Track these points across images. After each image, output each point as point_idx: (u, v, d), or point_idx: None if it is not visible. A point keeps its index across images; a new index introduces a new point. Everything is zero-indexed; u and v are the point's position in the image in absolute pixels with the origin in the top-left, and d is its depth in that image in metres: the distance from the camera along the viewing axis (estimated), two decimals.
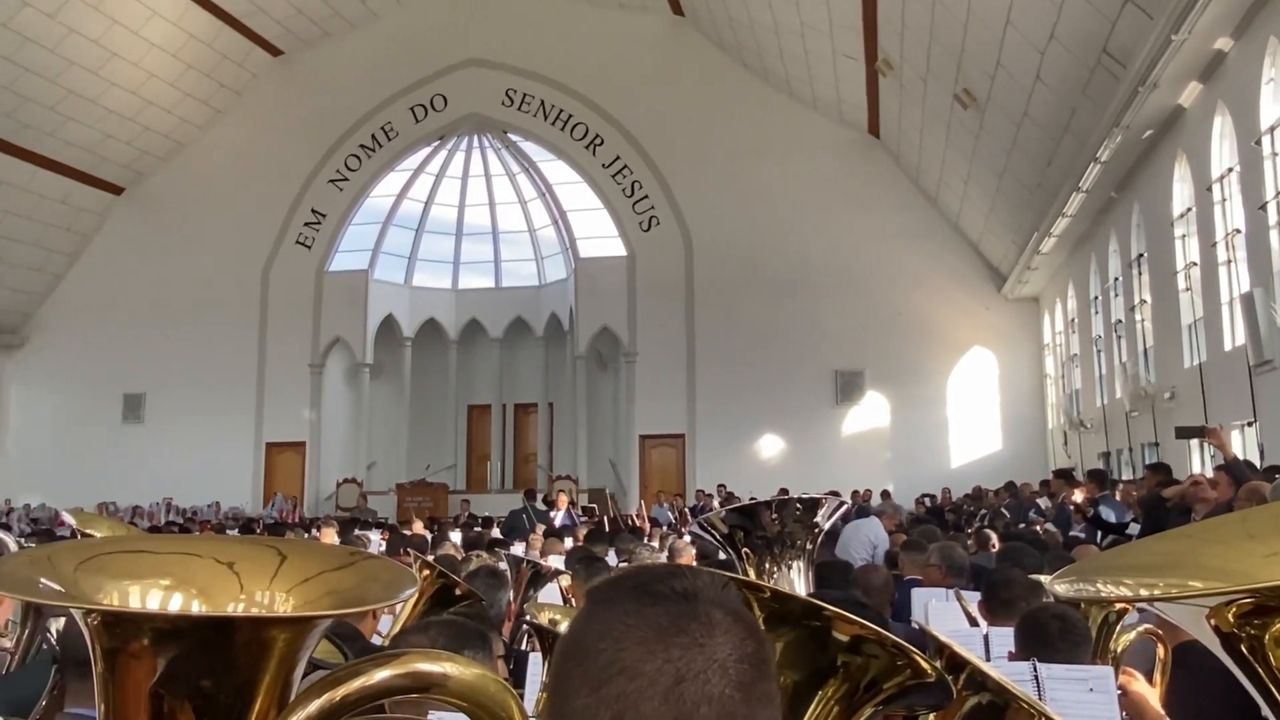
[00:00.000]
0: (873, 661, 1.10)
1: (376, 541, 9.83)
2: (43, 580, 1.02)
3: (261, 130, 22.39)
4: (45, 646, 2.65)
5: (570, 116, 21.78)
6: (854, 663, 1.10)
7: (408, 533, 10.41)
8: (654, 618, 0.77)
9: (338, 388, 22.50)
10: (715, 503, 17.13)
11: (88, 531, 4.66)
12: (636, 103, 21.34)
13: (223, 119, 22.62)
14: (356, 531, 10.18)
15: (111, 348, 21.93)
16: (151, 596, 1.06)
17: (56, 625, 2.43)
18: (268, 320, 22.05)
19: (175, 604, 1.05)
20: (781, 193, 20.50)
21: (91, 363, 22.05)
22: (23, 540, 6.64)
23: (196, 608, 1.06)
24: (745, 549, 2.63)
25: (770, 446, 20.46)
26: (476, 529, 11.54)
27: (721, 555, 5.46)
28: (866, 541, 7.97)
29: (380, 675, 0.94)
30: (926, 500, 17.05)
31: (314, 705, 0.91)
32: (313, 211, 22.40)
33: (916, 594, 4.84)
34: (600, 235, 21.98)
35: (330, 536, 8.78)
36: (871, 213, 20.05)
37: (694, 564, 6.69)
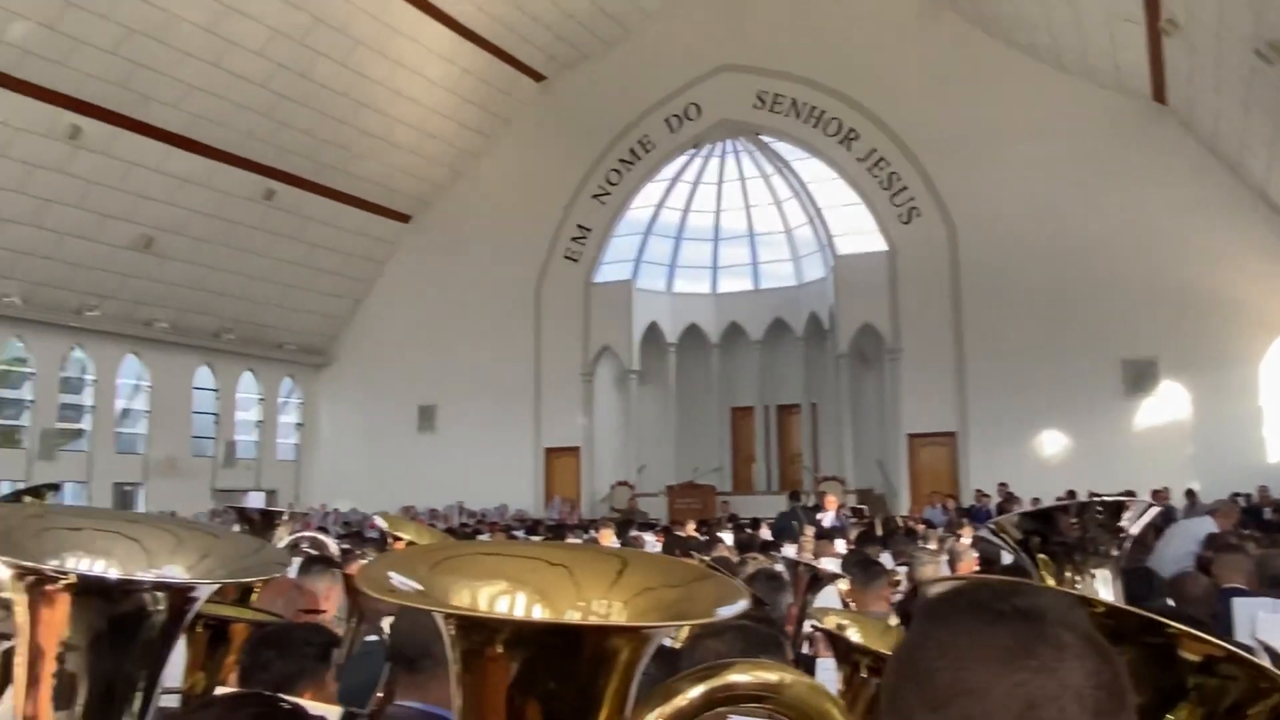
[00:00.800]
0: (1230, 684, 1.01)
1: (651, 542, 10.10)
2: (402, 581, 1.11)
3: (529, 153, 23.69)
4: (375, 640, 2.91)
5: (823, 113, 21.49)
6: (1208, 685, 1.00)
7: (681, 534, 10.61)
8: (997, 638, 0.74)
9: (608, 394, 23.36)
10: (993, 504, 16.32)
11: (397, 534, 5.08)
12: (891, 92, 20.72)
13: (495, 146, 24.12)
14: (632, 532, 10.49)
15: (406, 364, 23.90)
16: (498, 599, 1.13)
17: (387, 622, 2.67)
18: (542, 332, 23.26)
19: (519, 607, 1.11)
20: (1054, 172, 19.21)
21: (389, 378, 24.15)
22: (338, 541, 7.32)
23: (539, 612, 1.12)
24: (1041, 555, 2.49)
25: (1052, 443, 19.22)
26: (747, 530, 11.59)
27: (1006, 559, 5.18)
28: (1191, 545, 7.13)
29: (727, 680, 0.97)
30: (1241, 499, 15.39)
31: (672, 704, 0.95)
32: (578, 226, 23.41)
33: (1239, 604, 4.36)
34: (858, 231, 21.52)
35: (608, 537, 9.12)
36: (1159, 186, 18.36)
37: (976, 569, 6.39)
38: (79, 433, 20.80)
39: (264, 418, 24.46)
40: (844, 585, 4.89)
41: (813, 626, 3.33)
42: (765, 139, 22.78)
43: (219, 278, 21.50)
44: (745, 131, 22.83)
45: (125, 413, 21.91)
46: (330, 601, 3.20)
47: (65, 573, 1.06)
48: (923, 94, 20.37)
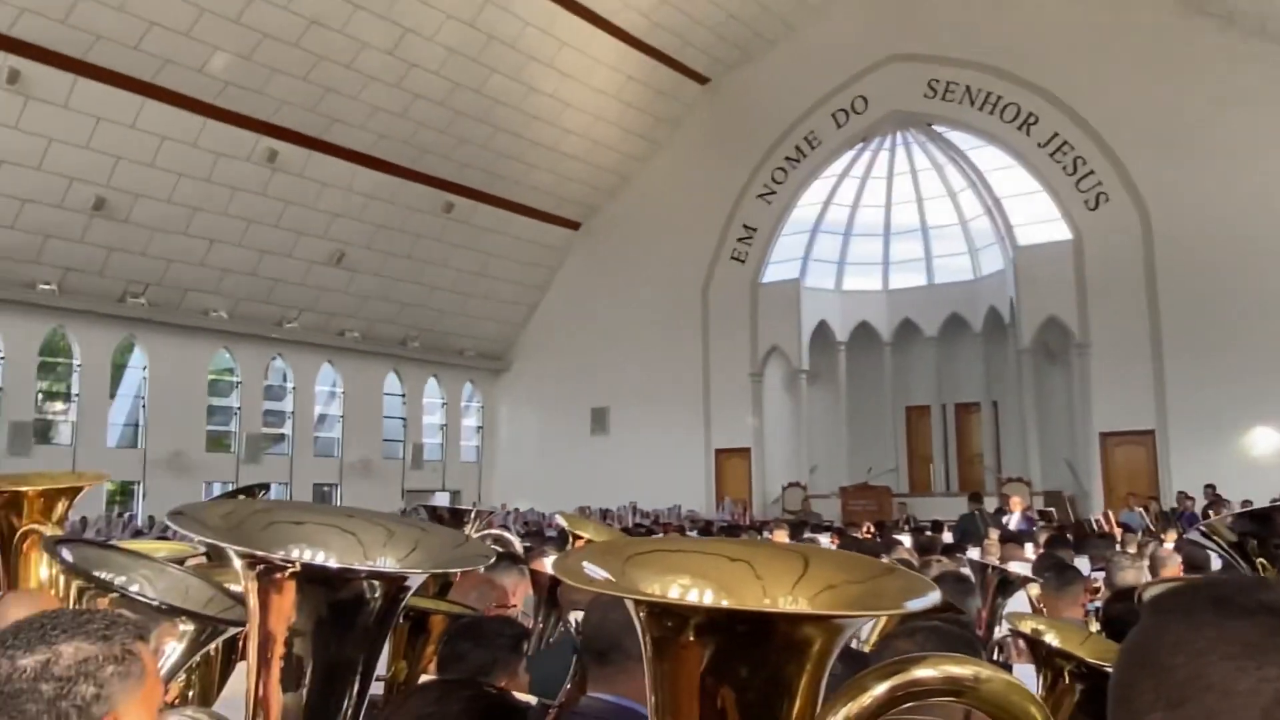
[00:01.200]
0: None
1: (826, 544, 9.96)
2: (597, 572, 1.14)
3: (694, 155, 23.81)
4: (565, 632, 2.99)
5: (999, 98, 20.64)
6: None
7: (857, 535, 10.42)
8: (1241, 633, 0.70)
9: (777, 394, 23.18)
10: (1198, 507, 15.25)
11: (577, 532, 5.20)
12: (1072, 72, 19.68)
13: (660, 150, 24.37)
14: (806, 534, 10.38)
15: (579, 367, 24.46)
16: (686, 594, 1.14)
17: (575, 616, 2.74)
18: (710, 333, 23.33)
19: (706, 599, 1.12)
20: (1261, 149, 17.79)
21: (563, 382, 24.77)
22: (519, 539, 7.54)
23: (725, 603, 1.12)
24: (1260, 559, 2.32)
25: (1264, 441, 17.79)
26: (926, 533, 11.27)
27: (1215, 565, 4.84)
28: None
29: (914, 675, 0.95)
30: None
31: (858, 701, 0.94)
32: (744, 227, 23.36)
33: None
34: (1039, 220, 20.55)
35: (782, 538, 9.05)
36: None
37: (1180, 574, 5.99)
38: (281, 437, 22.28)
39: (447, 421, 25.54)
40: (1035, 590, 4.68)
41: (1012, 630, 3.19)
42: (937, 129, 22.08)
43: (404, 289, 22.61)
44: (916, 122, 22.19)
45: (322, 418, 23.32)
46: (517, 596, 3.31)
47: (291, 562, 1.14)
48: (1107, 72, 19.27)
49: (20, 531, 2.71)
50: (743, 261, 23.31)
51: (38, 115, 15.90)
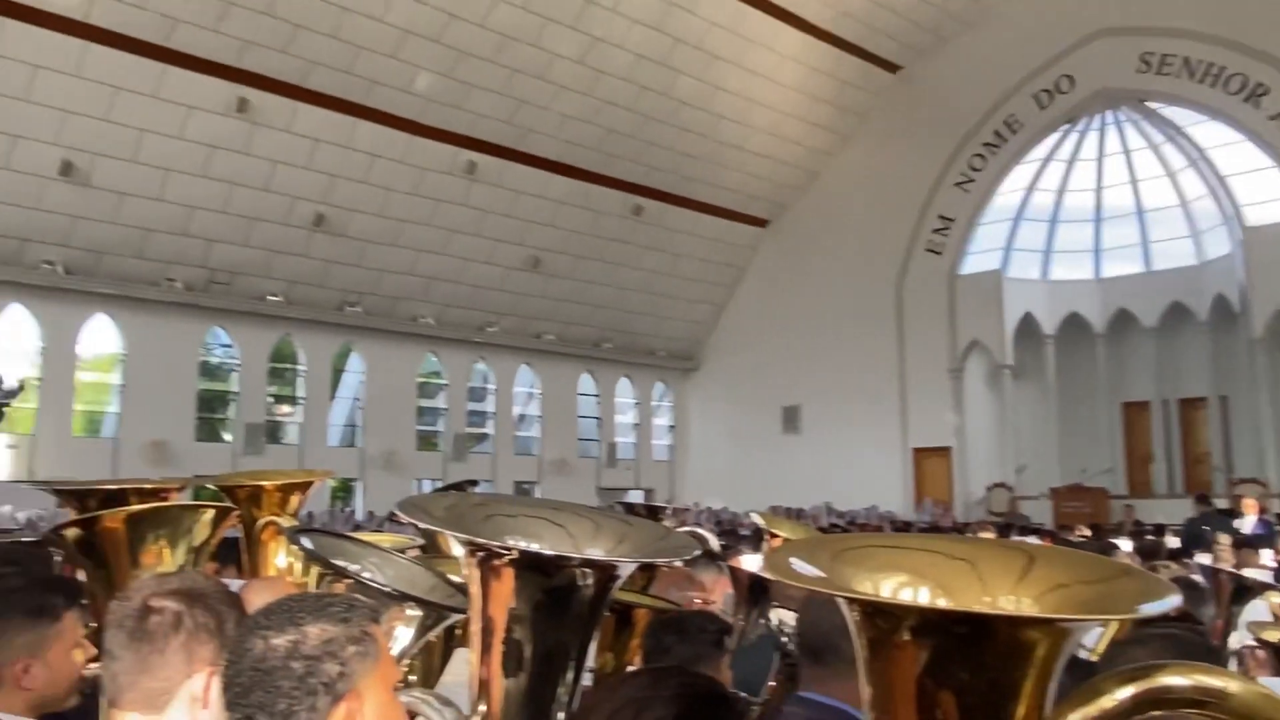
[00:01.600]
0: None
1: None
2: (804, 568, 1.12)
3: (885, 146, 23.21)
4: (765, 631, 2.98)
5: (1223, 69, 19.06)
6: None
7: (1072, 538, 9.89)
8: None
9: (979, 391, 22.27)
10: None
11: (773, 531, 5.16)
12: None
13: (849, 143, 23.90)
14: (1014, 537, 9.93)
15: (769, 366, 24.30)
16: (900, 591, 1.11)
17: (777, 615, 2.72)
18: (905, 329, 22.69)
19: (922, 600, 1.08)
20: None
21: (753, 380, 24.67)
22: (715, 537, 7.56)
23: (942, 604, 1.09)
24: None
25: None
26: (1148, 536, 10.55)
27: None
28: None
29: (1161, 682, 0.89)
30: None
31: (1096, 704, 0.89)
32: (940, 218, 22.59)
33: None
34: (1271, 199, 18.84)
35: None
36: None
37: None
38: (483, 436, 23.27)
39: (640, 421, 25.97)
40: (1277, 598, 4.29)
41: (1257, 640, 2.94)
42: (1152, 105, 20.62)
43: (596, 291, 23.15)
44: (1127, 99, 20.80)
45: (521, 418, 24.21)
46: (717, 593, 3.32)
47: (509, 549, 1.19)
48: None
49: (261, 522, 2.95)
50: (939, 253, 22.54)
51: (264, 140, 17.27)
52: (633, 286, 23.65)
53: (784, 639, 2.23)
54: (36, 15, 14.42)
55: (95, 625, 2.12)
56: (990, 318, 21.65)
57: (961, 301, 22.06)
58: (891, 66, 22.93)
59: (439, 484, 19.86)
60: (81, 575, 2.33)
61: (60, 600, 1.95)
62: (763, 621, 3.00)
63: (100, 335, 18.01)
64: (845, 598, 1.06)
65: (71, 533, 2.22)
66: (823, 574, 1.12)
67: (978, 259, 22.47)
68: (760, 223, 24.96)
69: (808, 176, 24.30)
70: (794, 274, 24.20)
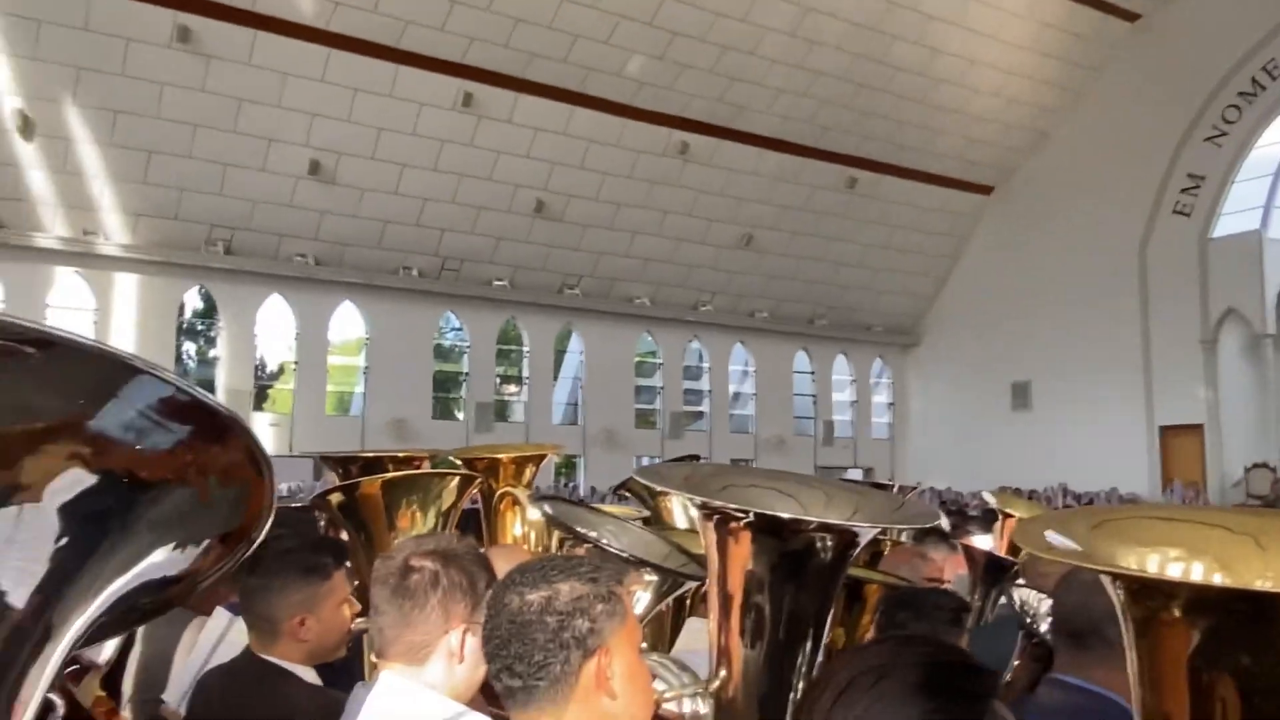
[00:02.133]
0: None
1: None
2: (1059, 540, 1.07)
3: (1123, 102, 21.56)
4: (1008, 612, 2.87)
5: None
6: None
7: None
8: None
9: (1235, 363, 20.41)
10: None
11: (1007, 510, 4.95)
12: None
13: (1082, 100, 22.39)
14: None
15: (995, 339, 23.23)
16: (1169, 565, 1.04)
17: (1019, 595, 2.61)
18: (1149, 297, 21.11)
19: (1195, 575, 1.01)
20: None
21: (978, 355, 23.66)
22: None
23: (1218, 580, 1.01)
24: None
25: None
26: None
27: None
28: None
29: None
30: None
31: None
32: (1189, 176, 20.80)
33: None
34: None
35: None
36: None
37: None
38: (699, 414, 23.51)
39: (857, 398, 25.47)
40: None
41: None
42: None
43: (810, 267, 22.84)
44: None
45: (736, 396, 24.27)
46: (948, 572, 3.23)
47: (746, 511, 1.20)
48: None
49: (499, 493, 3.12)
50: (1188, 215, 20.78)
51: (487, 132, 18.09)
52: (848, 261, 23.17)
53: (1029, 619, 2.13)
54: (284, 26, 15.71)
55: (357, 583, 2.31)
56: (1248, 283, 19.86)
57: (1215, 266, 20.31)
58: (1130, 15, 21.26)
59: (657, 461, 20.25)
60: (344, 537, 2.54)
61: (330, 559, 2.13)
62: (1004, 601, 2.88)
63: (347, 321, 19.52)
64: (1108, 573, 1.01)
65: (335, 498, 2.42)
66: (1078, 547, 1.07)
67: (1233, 219, 20.59)
68: (984, 190, 23.83)
69: (1036, 138, 22.97)
70: (1023, 242, 22.97)
